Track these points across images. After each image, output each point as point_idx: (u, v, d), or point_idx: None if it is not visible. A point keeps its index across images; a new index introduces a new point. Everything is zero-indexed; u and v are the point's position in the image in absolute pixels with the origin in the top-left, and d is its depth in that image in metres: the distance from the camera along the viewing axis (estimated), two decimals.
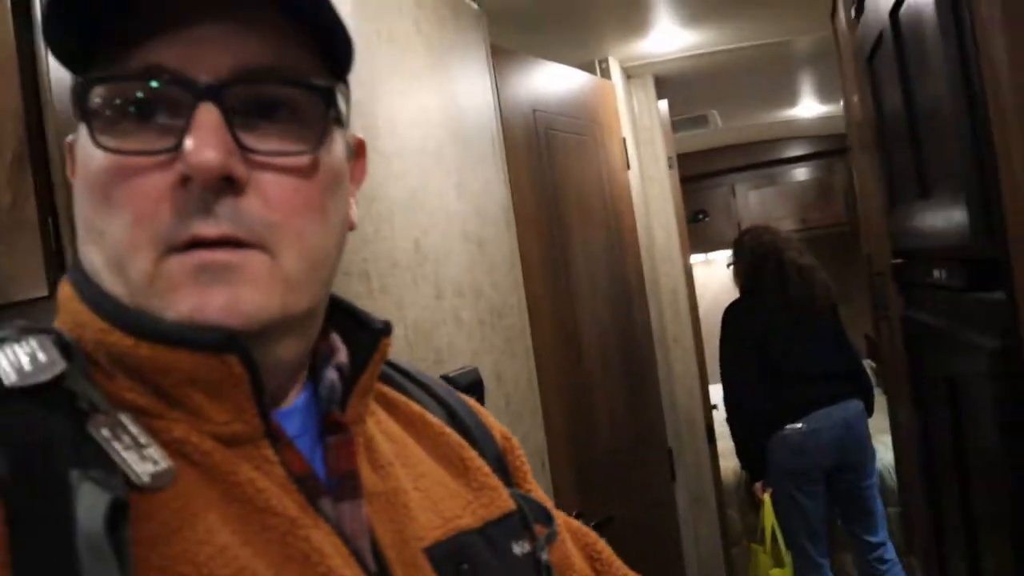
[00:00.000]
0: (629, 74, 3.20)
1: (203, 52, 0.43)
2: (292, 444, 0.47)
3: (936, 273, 1.28)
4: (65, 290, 0.47)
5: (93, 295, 0.44)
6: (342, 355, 0.52)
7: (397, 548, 0.47)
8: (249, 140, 0.43)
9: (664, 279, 3.25)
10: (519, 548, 0.54)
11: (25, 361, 0.40)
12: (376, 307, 1.43)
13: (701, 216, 5.39)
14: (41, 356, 0.41)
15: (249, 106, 0.44)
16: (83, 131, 0.44)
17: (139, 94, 0.43)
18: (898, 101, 1.28)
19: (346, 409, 0.50)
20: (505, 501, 0.56)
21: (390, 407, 0.58)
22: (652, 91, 3.32)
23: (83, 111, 0.43)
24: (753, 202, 5.50)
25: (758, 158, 5.46)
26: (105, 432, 0.40)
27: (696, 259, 4.91)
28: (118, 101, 0.43)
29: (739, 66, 3.24)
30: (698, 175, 5.20)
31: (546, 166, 2.40)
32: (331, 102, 0.47)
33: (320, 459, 0.49)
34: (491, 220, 2.00)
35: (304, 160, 0.45)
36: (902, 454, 2.16)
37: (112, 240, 0.43)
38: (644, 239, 3.03)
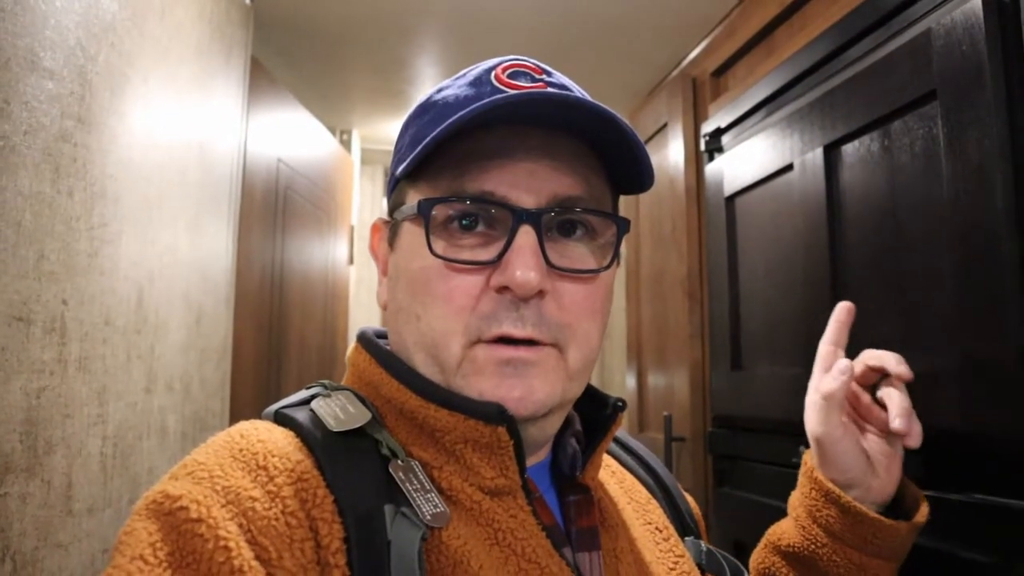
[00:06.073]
0: (365, 158, 2.79)
1: (526, 183, 0.52)
2: (542, 498, 0.56)
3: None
4: (360, 354, 0.57)
5: (390, 362, 0.55)
6: (577, 424, 0.61)
7: None
8: (555, 258, 0.53)
9: None
10: None
11: (339, 411, 0.51)
12: (63, 397, 0.76)
13: None
14: (350, 408, 0.52)
15: (556, 227, 0.54)
16: (412, 231, 0.55)
17: (471, 213, 0.53)
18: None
19: (584, 473, 0.58)
20: (693, 569, 0.63)
21: (610, 473, 0.67)
22: (380, 186, 2.94)
23: (425, 221, 0.52)
24: None
25: None
26: (401, 475, 0.49)
27: None
28: (451, 216, 0.53)
29: None
30: None
31: (279, 233, 1.84)
32: (624, 231, 0.56)
33: (559, 513, 0.57)
34: (212, 288, 1.40)
35: (595, 275, 0.55)
36: None
37: (427, 325, 0.53)
38: None
